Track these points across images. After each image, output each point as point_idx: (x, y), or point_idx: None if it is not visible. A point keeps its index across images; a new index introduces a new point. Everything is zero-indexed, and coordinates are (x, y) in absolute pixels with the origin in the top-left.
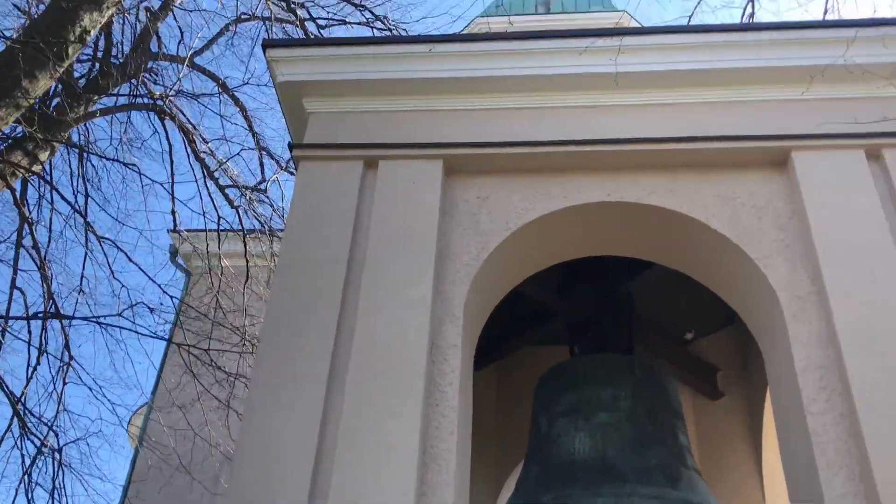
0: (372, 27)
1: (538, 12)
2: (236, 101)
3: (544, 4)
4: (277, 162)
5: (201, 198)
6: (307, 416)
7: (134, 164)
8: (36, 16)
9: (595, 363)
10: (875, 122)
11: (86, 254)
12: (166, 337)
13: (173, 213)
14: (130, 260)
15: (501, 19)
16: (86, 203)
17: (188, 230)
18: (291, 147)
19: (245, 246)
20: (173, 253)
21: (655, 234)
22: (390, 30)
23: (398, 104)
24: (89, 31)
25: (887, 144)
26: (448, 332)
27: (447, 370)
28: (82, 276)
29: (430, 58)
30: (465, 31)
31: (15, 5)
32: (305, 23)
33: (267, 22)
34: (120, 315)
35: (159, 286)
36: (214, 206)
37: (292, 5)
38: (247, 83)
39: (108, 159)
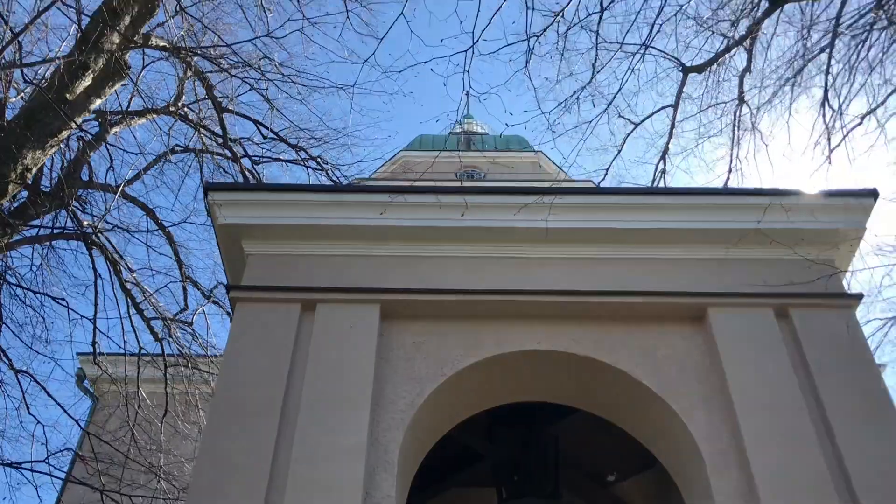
0: (306, 166)
1: (458, 149)
2: (164, 231)
3: (465, 142)
4: (202, 292)
5: (123, 327)
6: None
7: (63, 299)
8: None
9: None
10: (782, 284)
11: None
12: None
13: (94, 343)
14: (48, 395)
15: (424, 154)
16: None
17: (106, 354)
18: (229, 289)
19: (165, 375)
20: (80, 377)
21: (582, 382)
22: (324, 169)
23: (337, 249)
24: (31, 169)
25: (794, 304)
26: (383, 482)
27: None
28: None
29: (370, 206)
30: (388, 165)
31: None
32: (241, 159)
33: (200, 154)
34: (47, 461)
35: (76, 421)
36: (136, 336)
37: (229, 142)
38: (184, 221)
39: (33, 292)
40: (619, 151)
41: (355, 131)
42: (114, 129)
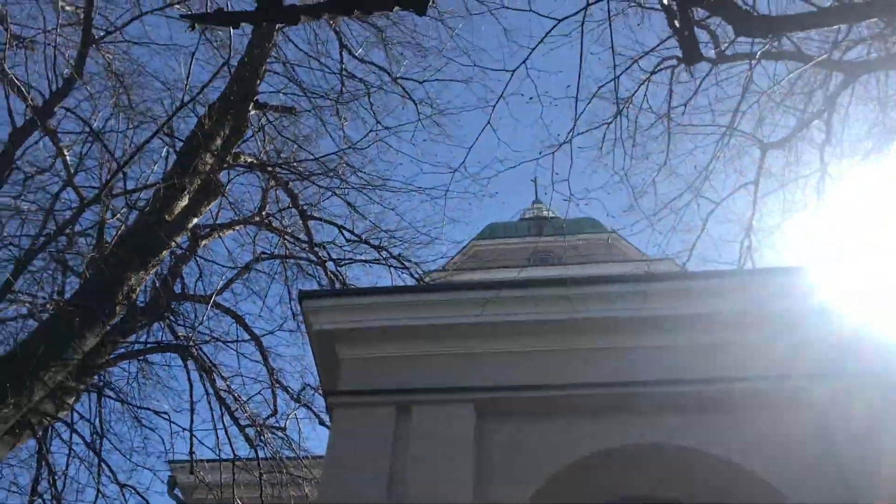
0: (388, 265)
1: (531, 233)
2: (254, 338)
3: (536, 227)
4: (291, 395)
5: (217, 434)
6: None
7: (165, 413)
8: (83, 280)
9: None
10: None
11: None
12: None
13: (191, 453)
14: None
15: (495, 241)
16: (100, 444)
17: (204, 461)
18: (326, 394)
19: (261, 480)
20: (171, 485)
21: (691, 474)
22: (406, 267)
23: (430, 348)
24: (135, 290)
25: None
26: None
27: None
28: None
29: (464, 304)
30: (460, 256)
31: (71, 269)
32: (326, 263)
33: (285, 260)
34: None
35: None
36: (230, 442)
37: (314, 247)
38: (278, 329)
39: (132, 405)
40: (703, 230)
41: (433, 229)
42: (203, 242)
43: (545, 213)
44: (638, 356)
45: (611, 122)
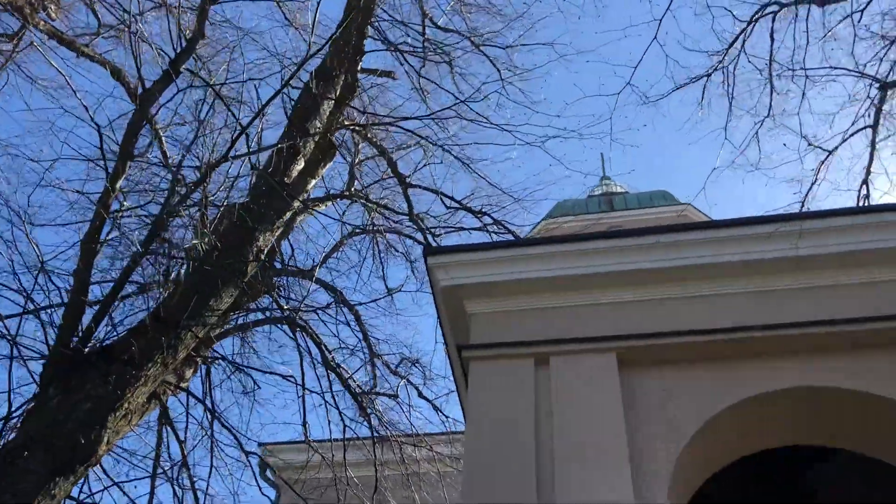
0: (488, 231)
1: (601, 209)
2: (353, 311)
3: (607, 203)
4: (389, 368)
5: (327, 407)
6: None
7: (291, 376)
8: (216, 242)
9: None
10: None
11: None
12: None
13: (304, 424)
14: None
15: (564, 219)
16: (211, 422)
17: (316, 440)
18: (460, 349)
19: (375, 452)
20: (262, 467)
21: (851, 419)
22: (510, 232)
23: (564, 301)
24: (263, 250)
25: None
26: None
27: None
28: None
29: (594, 255)
30: (535, 234)
31: (203, 229)
32: (426, 232)
33: (382, 232)
34: None
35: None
36: (341, 415)
37: (414, 216)
38: (369, 303)
39: (262, 371)
40: (815, 182)
41: (532, 192)
42: (299, 218)
43: (615, 188)
44: (789, 297)
45: (711, 73)
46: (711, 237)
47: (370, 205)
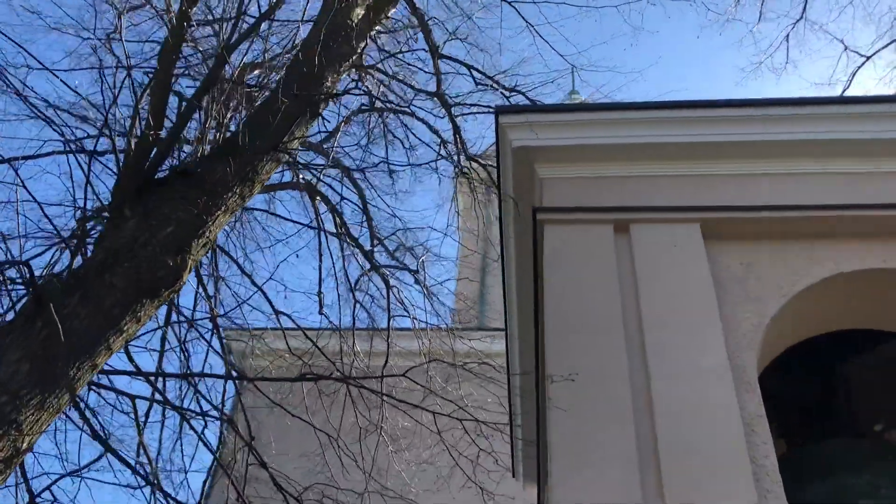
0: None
1: None
2: (357, 189)
3: None
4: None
5: (336, 278)
6: (623, 498)
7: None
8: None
9: (844, 449)
10: None
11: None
12: None
13: (319, 294)
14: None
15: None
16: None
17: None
18: (535, 211)
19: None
20: None
21: None
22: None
23: (646, 168)
24: (331, 90)
25: None
26: (749, 403)
27: (758, 442)
28: None
29: (680, 122)
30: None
31: (270, 65)
32: (451, 109)
33: (384, 114)
34: None
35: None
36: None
37: (442, 92)
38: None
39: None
40: (847, 88)
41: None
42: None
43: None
44: (876, 179)
45: None
46: (803, 113)
47: (387, 76)
